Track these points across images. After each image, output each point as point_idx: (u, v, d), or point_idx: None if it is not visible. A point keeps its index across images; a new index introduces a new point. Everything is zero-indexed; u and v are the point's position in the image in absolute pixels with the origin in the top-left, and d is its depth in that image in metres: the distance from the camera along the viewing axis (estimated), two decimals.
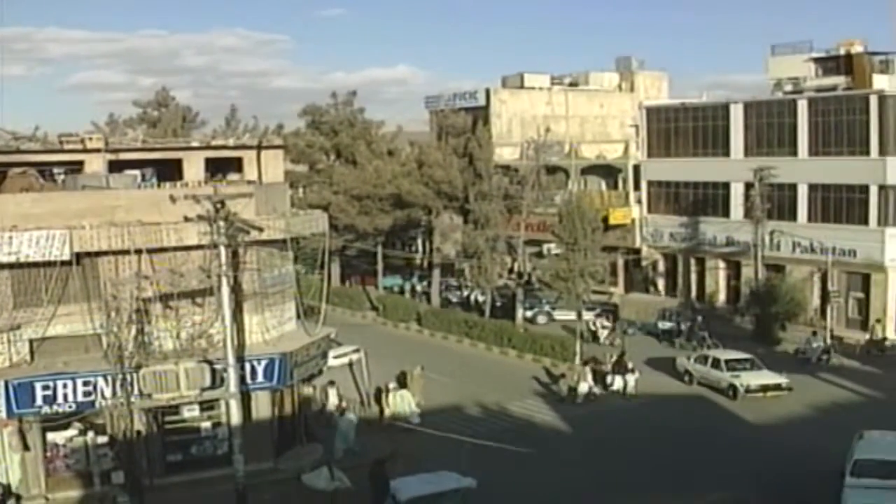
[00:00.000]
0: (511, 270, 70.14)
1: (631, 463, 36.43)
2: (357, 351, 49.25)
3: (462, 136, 68.24)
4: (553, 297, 62.32)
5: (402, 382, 43.72)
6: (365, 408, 43.69)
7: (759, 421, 41.91)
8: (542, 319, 64.86)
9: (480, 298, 66.86)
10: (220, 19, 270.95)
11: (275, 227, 33.94)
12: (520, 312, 62.43)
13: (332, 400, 42.19)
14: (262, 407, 35.07)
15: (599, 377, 47.52)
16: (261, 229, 32.96)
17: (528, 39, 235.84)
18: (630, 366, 47.76)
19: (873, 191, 58.59)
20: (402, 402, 42.15)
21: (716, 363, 47.39)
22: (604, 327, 59.17)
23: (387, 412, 41.95)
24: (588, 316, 59.28)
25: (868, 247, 58.60)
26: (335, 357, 46.47)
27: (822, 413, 43.28)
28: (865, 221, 59.12)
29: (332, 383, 42.93)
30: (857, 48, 70.10)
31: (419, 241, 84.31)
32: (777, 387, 45.51)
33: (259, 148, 40.71)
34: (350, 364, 48.85)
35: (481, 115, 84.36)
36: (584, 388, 46.07)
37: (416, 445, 36.59)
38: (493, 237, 63.61)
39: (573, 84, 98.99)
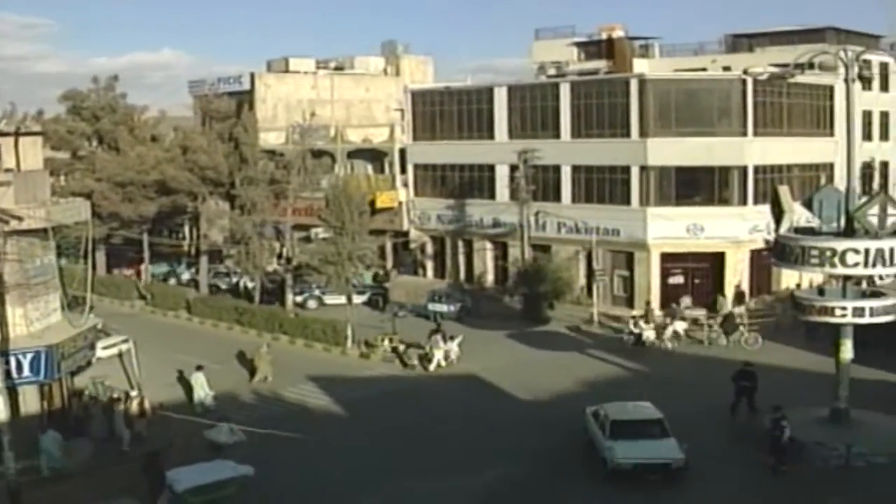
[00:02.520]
0: (280, 256, 69.44)
1: (410, 444, 36.60)
2: (126, 341, 47.97)
3: (227, 120, 67.30)
4: (323, 282, 62.09)
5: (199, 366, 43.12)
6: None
7: (533, 398, 42.71)
8: (312, 304, 64.51)
9: (250, 285, 66.05)
10: None
11: (35, 216, 32.55)
12: (290, 298, 62.11)
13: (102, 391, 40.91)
14: (31, 402, 33.91)
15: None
16: (20, 218, 31.58)
17: (294, 23, 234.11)
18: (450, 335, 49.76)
19: (635, 171, 60.46)
20: (197, 386, 41.81)
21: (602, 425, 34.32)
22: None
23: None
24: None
25: (631, 226, 60.45)
26: (104, 348, 45.52)
27: (589, 388, 44.40)
28: (628, 201, 60.96)
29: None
30: (619, 33, 72.66)
31: (186, 228, 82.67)
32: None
33: (17, 135, 38.80)
34: (120, 354, 47.52)
35: (246, 99, 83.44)
36: (439, 354, 48.29)
37: (192, 435, 35.98)
38: (260, 223, 62.94)
39: (339, 68, 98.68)
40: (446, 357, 48.93)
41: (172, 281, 74.60)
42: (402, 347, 51.29)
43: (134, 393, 39.06)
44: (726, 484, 31.78)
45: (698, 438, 34.29)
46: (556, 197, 64.31)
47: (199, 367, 42.76)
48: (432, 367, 48.37)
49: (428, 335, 50.71)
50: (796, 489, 30.96)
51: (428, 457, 34.98)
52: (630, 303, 60.41)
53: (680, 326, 53.52)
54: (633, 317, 54.64)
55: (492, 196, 68.18)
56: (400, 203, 73.83)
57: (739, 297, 58.54)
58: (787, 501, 30.49)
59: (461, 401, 42.70)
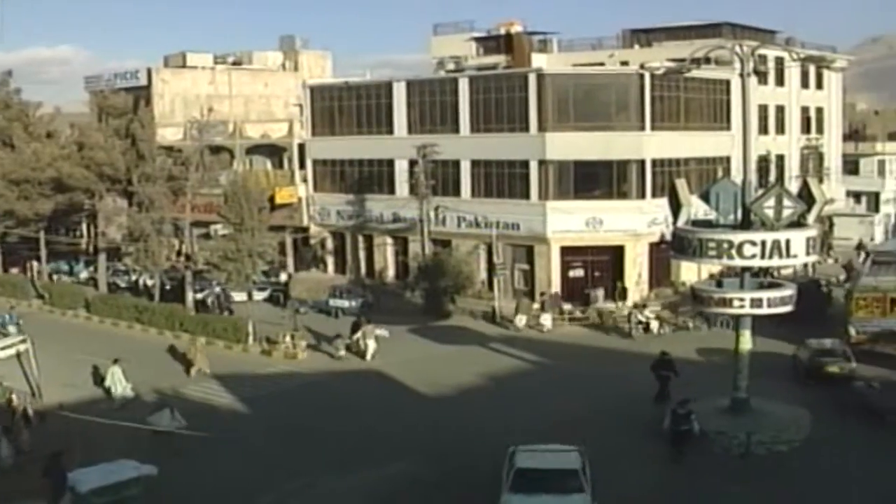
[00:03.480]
0: (179, 253, 68.39)
1: (312, 441, 36.21)
2: (24, 341, 46.67)
3: (124, 116, 65.95)
4: (223, 279, 61.29)
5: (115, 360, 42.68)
6: (36, 399, 41.34)
7: (436, 393, 42.67)
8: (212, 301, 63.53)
9: (149, 282, 65.02)
10: None
11: None
12: (190, 295, 61.25)
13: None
14: None
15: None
16: None
17: (192, 18, 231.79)
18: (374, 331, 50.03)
19: (533, 166, 60.67)
20: (114, 380, 41.44)
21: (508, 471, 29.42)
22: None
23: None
24: None
25: (530, 220, 60.61)
26: (0, 349, 44.10)
27: (496, 382, 44.58)
28: (527, 196, 61.15)
29: None
30: (517, 28, 72.76)
31: (84, 226, 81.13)
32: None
33: None
34: (18, 355, 46.23)
35: (143, 95, 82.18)
36: (372, 345, 49.05)
37: (93, 435, 34.93)
38: (158, 220, 61.96)
39: (237, 63, 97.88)
40: (373, 351, 49.42)
41: (67, 279, 73.06)
42: (303, 343, 51.04)
43: (16, 399, 38.07)
44: (632, 475, 31.84)
45: (599, 430, 34.77)
46: (456, 191, 64.33)
47: (115, 361, 42.32)
48: (369, 356, 48.94)
49: (352, 327, 51.00)
50: (698, 478, 31.21)
51: (330, 453, 34.66)
52: (531, 296, 60.37)
53: (547, 318, 55.49)
54: (635, 305, 56.31)
55: (392, 191, 67.93)
56: (299, 199, 73.26)
57: (622, 293, 59.29)
58: (691, 491, 30.67)
59: (363, 397, 42.48)
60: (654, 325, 53.69)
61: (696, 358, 46.92)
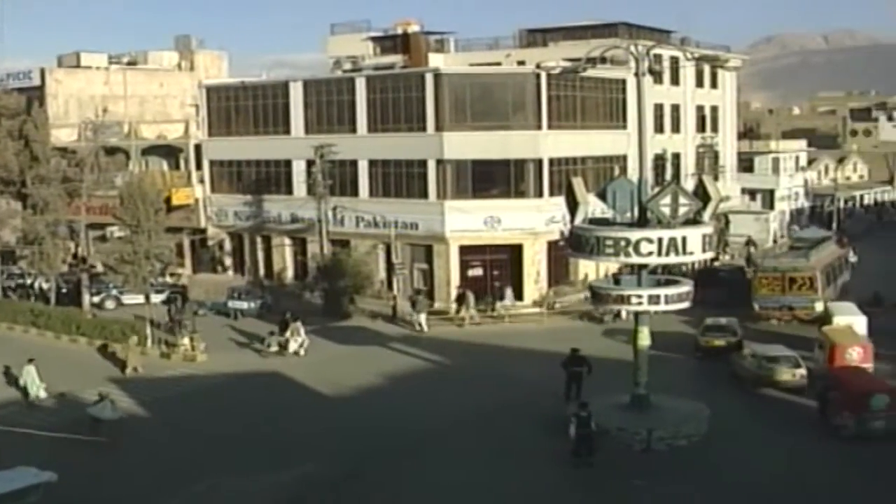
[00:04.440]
0: (75, 256, 67.20)
1: (215, 443, 35.85)
2: None
3: (16, 117, 64.57)
4: (120, 281, 60.36)
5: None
6: None
7: (337, 394, 42.45)
8: (110, 304, 62.70)
9: (45, 286, 63.71)
10: None
11: None
12: (86, 298, 60.37)
13: None
14: None
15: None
16: None
17: (86, 17, 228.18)
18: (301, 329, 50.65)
19: (431, 165, 60.72)
20: (28, 380, 41.14)
21: None
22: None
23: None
24: None
25: (429, 219, 60.64)
26: None
27: (397, 382, 44.54)
28: (425, 195, 61.20)
29: None
30: (414, 28, 72.67)
31: None
32: None
33: None
34: None
35: (36, 95, 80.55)
36: (296, 342, 49.65)
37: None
38: (53, 222, 60.98)
39: (132, 63, 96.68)
40: (301, 345, 50.03)
41: None
42: (202, 346, 50.46)
43: None
44: (534, 473, 31.96)
45: (500, 428, 35.16)
46: (354, 191, 64.12)
47: (30, 360, 41.82)
48: (302, 351, 49.67)
49: (280, 325, 51.45)
50: (602, 475, 31.45)
51: (233, 455, 34.30)
52: (430, 295, 60.34)
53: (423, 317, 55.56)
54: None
55: (289, 191, 67.48)
56: (196, 200, 72.55)
57: (460, 298, 59.12)
58: (594, 487, 30.91)
59: (265, 398, 42.13)
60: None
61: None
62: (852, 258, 69.66)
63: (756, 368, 41.68)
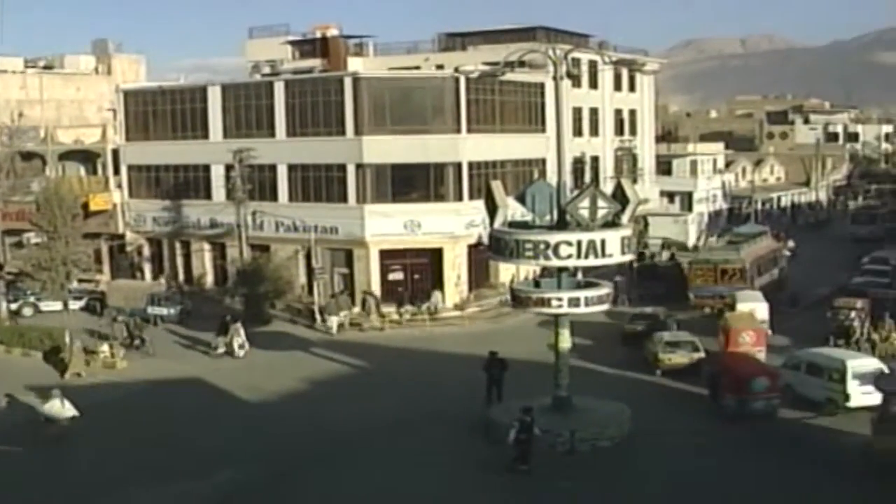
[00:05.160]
0: None
1: (138, 451, 35.38)
2: None
3: None
4: (37, 288, 59.62)
5: None
6: None
7: (259, 399, 42.32)
8: (28, 311, 61.89)
9: None
10: None
11: None
12: (3, 305, 59.44)
13: None
14: None
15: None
16: None
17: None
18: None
19: (351, 169, 60.50)
20: None
21: None
22: None
23: None
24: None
25: (349, 223, 60.42)
26: None
27: (318, 386, 44.62)
28: (345, 199, 60.98)
29: None
30: (333, 32, 72.60)
31: None
32: None
33: None
34: None
35: None
36: (238, 342, 50.48)
37: None
38: None
39: (48, 67, 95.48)
40: (241, 346, 50.62)
41: None
42: (122, 352, 50.06)
43: None
44: (456, 476, 32.15)
45: (422, 431, 35.47)
46: (273, 196, 63.72)
47: None
48: (241, 353, 50.34)
49: (220, 328, 51.68)
50: (526, 477, 31.55)
51: (155, 463, 33.89)
52: (352, 300, 60.13)
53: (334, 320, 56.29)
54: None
55: (208, 196, 66.93)
56: (114, 205, 71.58)
57: (365, 302, 59.73)
58: (520, 489, 31.00)
59: (186, 405, 41.74)
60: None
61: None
62: (788, 252, 74.15)
63: (660, 352, 45.49)
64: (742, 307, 50.67)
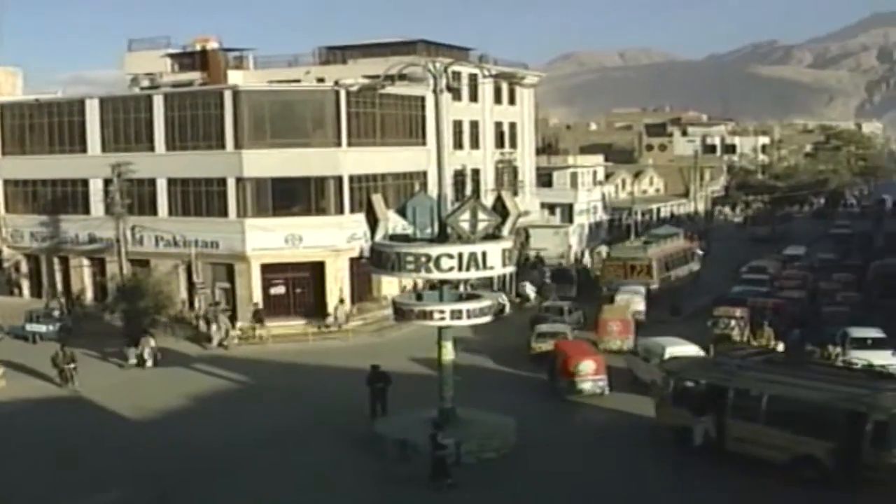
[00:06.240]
0: None
1: (16, 472, 34.59)
2: None
3: None
4: None
5: None
6: None
7: (141, 417, 41.75)
8: None
9: None
10: None
11: None
12: None
13: None
14: None
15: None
16: None
17: None
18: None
19: (231, 183, 60.18)
20: None
21: None
22: None
23: None
24: None
25: (230, 238, 60.16)
26: None
27: (202, 402, 44.32)
28: (225, 213, 60.66)
29: None
30: (213, 45, 72.23)
31: None
32: None
33: None
34: None
35: None
36: (148, 352, 51.49)
37: None
38: None
39: None
40: (153, 355, 51.57)
41: None
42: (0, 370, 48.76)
43: None
44: (341, 490, 32.28)
45: (307, 445, 35.58)
46: (153, 210, 63.14)
47: None
48: (150, 361, 51.33)
49: (133, 338, 52.43)
50: (412, 490, 31.77)
51: (38, 486, 33.17)
52: (233, 315, 59.99)
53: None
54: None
55: (87, 211, 66.04)
56: None
57: (256, 315, 59.76)
58: (409, 502, 31.36)
59: (68, 424, 40.99)
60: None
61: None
62: (700, 251, 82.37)
63: (532, 341, 50.83)
64: (620, 299, 58.99)
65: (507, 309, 61.49)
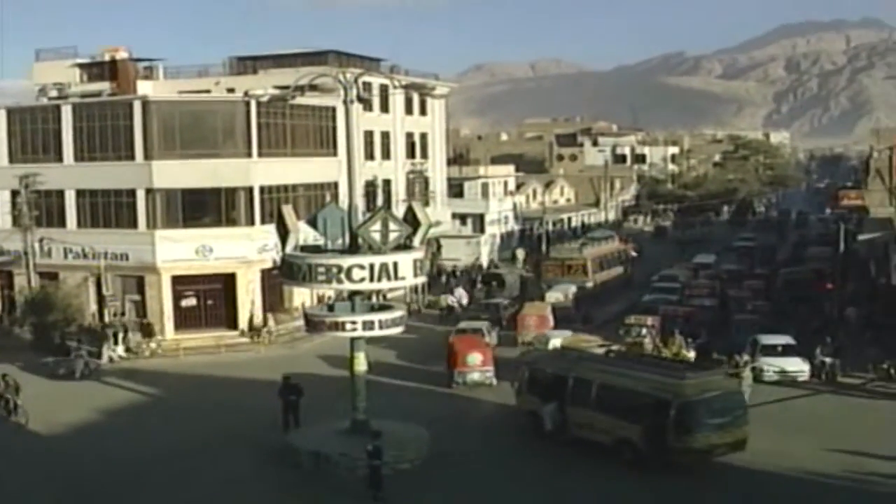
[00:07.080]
0: None
1: None
2: None
3: None
4: None
5: None
6: None
7: (50, 432, 41.09)
8: None
9: None
10: None
11: None
12: None
13: None
14: None
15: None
16: None
17: None
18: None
19: (140, 195, 59.72)
20: None
21: None
22: None
23: None
24: None
25: (140, 250, 59.66)
26: None
27: (111, 416, 43.83)
28: (135, 225, 60.16)
29: None
30: (122, 55, 71.62)
31: None
32: None
33: None
34: None
35: None
36: (106, 356, 53.94)
37: None
38: None
39: None
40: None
41: None
42: None
43: None
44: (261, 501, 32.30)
45: (219, 458, 35.61)
46: (62, 222, 62.37)
47: None
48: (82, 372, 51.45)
49: (62, 351, 53.23)
50: (330, 501, 32.02)
51: None
52: (144, 329, 59.39)
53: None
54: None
55: None
56: None
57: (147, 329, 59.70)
58: None
59: None
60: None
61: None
62: (634, 252, 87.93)
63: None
64: (549, 296, 65.68)
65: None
